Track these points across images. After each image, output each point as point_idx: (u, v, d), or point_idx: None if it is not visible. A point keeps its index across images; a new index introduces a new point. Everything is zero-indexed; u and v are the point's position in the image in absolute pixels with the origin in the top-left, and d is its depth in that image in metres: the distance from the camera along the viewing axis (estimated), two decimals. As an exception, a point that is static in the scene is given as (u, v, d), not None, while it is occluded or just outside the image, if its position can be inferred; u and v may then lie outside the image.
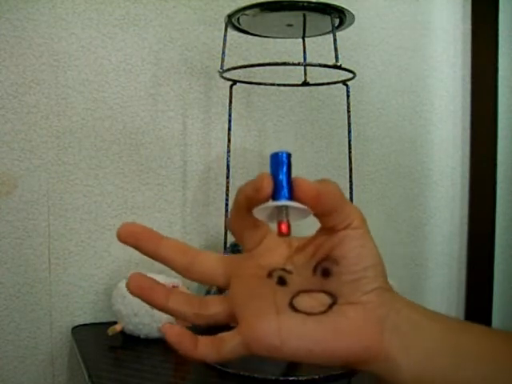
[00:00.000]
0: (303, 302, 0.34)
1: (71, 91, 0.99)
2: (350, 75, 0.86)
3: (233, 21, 0.86)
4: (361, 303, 0.33)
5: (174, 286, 0.90)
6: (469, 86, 1.29)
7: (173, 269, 0.37)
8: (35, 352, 0.99)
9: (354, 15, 0.82)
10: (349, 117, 0.91)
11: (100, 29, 1.00)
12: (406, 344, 0.33)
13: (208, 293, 1.01)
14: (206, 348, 0.34)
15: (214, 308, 0.36)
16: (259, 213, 0.33)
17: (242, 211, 0.35)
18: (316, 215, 0.33)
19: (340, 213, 0.33)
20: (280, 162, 0.33)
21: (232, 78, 0.90)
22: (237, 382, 0.75)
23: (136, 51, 1.03)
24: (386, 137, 1.24)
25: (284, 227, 0.32)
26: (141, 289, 0.36)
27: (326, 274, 0.34)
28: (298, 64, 0.88)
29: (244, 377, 0.75)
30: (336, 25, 0.84)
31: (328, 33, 0.88)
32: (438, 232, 1.31)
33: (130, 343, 0.90)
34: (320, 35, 0.93)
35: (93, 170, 1.01)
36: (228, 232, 0.89)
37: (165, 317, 0.89)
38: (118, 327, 0.91)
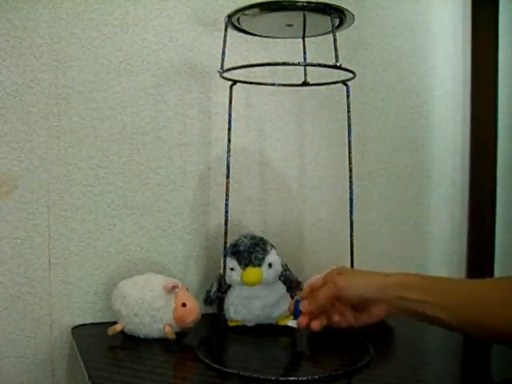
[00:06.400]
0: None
1: (71, 91, 0.99)
2: (350, 75, 0.86)
3: (233, 21, 0.86)
4: (376, 311, 0.70)
5: (173, 286, 0.90)
6: (469, 86, 1.29)
7: None
8: (35, 352, 0.99)
9: (353, 15, 0.83)
10: (349, 117, 0.91)
11: (100, 29, 1.00)
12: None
13: (209, 292, 1.01)
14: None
15: None
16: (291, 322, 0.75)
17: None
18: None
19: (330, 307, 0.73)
20: (296, 305, 0.74)
21: (232, 78, 0.90)
22: (237, 382, 0.75)
23: (136, 51, 1.03)
24: (386, 137, 1.24)
25: (297, 327, 0.74)
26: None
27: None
28: (298, 64, 0.88)
29: (244, 377, 0.75)
30: (336, 25, 0.84)
31: (328, 33, 0.88)
32: (437, 232, 1.31)
33: (130, 343, 0.90)
34: (320, 35, 0.93)
35: (93, 169, 1.01)
36: (228, 232, 0.89)
37: (165, 317, 0.89)
38: (118, 327, 0.91)
